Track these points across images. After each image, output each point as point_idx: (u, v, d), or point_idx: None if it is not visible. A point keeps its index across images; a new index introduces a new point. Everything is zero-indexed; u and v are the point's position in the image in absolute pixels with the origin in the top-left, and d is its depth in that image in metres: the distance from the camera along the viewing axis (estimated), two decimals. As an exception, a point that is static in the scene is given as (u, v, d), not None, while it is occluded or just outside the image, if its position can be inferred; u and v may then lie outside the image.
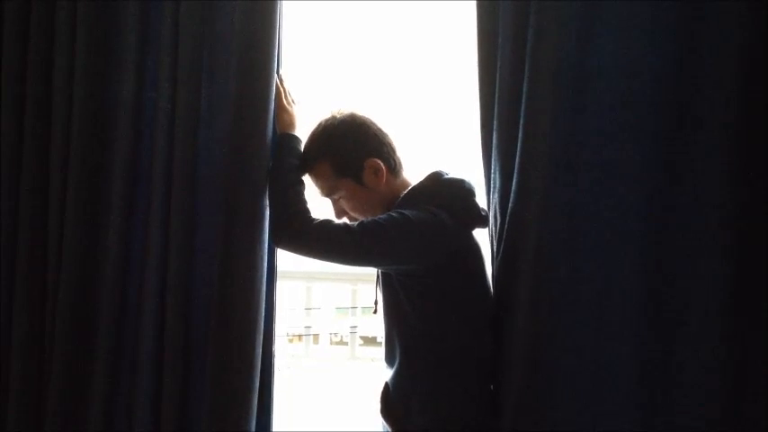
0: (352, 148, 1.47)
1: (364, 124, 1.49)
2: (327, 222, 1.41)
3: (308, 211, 1.44)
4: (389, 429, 1.45)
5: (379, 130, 1.50)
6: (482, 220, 1.48)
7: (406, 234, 1.37)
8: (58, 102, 1.61)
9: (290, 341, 5.31)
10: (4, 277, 1.65)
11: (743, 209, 1.27)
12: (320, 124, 1.51)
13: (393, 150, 1.51)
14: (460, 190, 1.48)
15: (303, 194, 1.48)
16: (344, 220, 1.52)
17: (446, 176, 1.49)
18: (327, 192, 1.50)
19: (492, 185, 1.48)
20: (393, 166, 1.50)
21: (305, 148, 1.51)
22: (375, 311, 1.53)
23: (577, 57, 1.35)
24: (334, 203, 1.53)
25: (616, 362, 1.35)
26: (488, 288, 1.47)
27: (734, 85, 1.27)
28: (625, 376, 1.34)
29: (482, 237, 1.52)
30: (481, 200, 1.51)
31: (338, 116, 1.49)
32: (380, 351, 1.52)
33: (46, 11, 1.63)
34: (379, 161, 1.47)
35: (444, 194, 1.45)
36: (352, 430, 3.60)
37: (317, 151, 1.49)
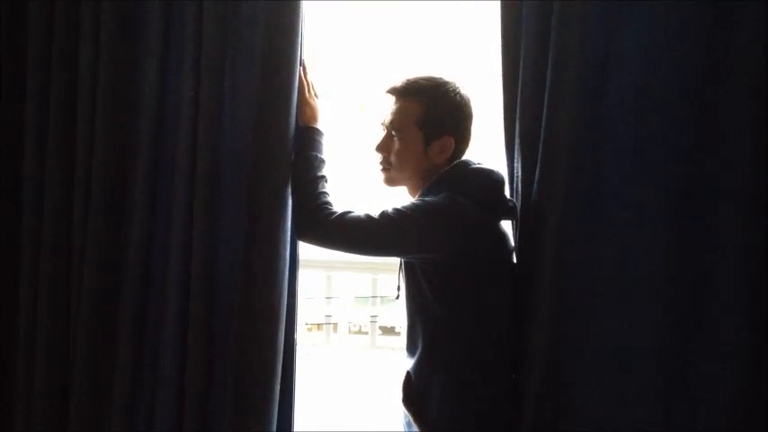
0: (447, 116, 1.47)
1: (469, 107, 1.50)
2: (349, 214, 1.41)
3: (329, 204, 1.45)
4: (411, 418, 1.45)
5: (472, 117, 1.51)
6: (509, 211, 1.48)
7: (428, 223, 1.38)
8: (83, 87, 1.62)
9: (309, 330, 5.35)
10: (29, 269, 1.67)
11: (765, 198, 1.27)
12: (443, 78, 1.49)
13: (468, 140, 1.52)
14: (488, 180, 1.47)
15: (325, 187, 1.48)
16: (380, 157, 1.52)
17: (474, 166, 1.49)
18: (395, 125, 1.48)
19: (515, 174, 1.49)
20: (457, 153, 1.50)
21: (412, 78, 1.49)
22: (397, 297, 1.54)
23: (601, 45, 1.35)
24: (387, 137, 1.50)
25: (636, 350, 1.35)
26: (512, 278, 1.47)
27: (757, 74, 1.26)
28: (644, 364, 1.35)
29: (508, 227, 1.52)
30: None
31: (459, 87, 1.48)
32: (400, 341, 1.53)
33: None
34: (453, 143, 1.48)
35: (471, 183, 1.45)
36: (372, 418, 3.62)
37: (423, 91, 1.47)
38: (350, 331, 5.52)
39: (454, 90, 1.48)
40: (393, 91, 1.49)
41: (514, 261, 1.50)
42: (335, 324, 5.26)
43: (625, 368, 1.36)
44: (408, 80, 1.49)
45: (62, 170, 1.65)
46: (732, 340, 1.28)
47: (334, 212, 1.43)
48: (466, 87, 1.49)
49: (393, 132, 1.49)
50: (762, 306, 1.26)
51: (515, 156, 1.48)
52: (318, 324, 5.29)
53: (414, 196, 1.51)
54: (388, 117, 1.49)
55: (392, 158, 1.50)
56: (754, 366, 1.27)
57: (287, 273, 1.55)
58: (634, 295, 1.35)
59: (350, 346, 5.22)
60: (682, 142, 1.33)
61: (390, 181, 1.53)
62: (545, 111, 1.38)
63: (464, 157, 1.51)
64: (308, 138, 1.53)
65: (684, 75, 1.32)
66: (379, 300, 5.04)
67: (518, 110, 1.45)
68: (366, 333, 5.24)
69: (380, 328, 5.26)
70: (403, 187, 1.55)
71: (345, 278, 5.21)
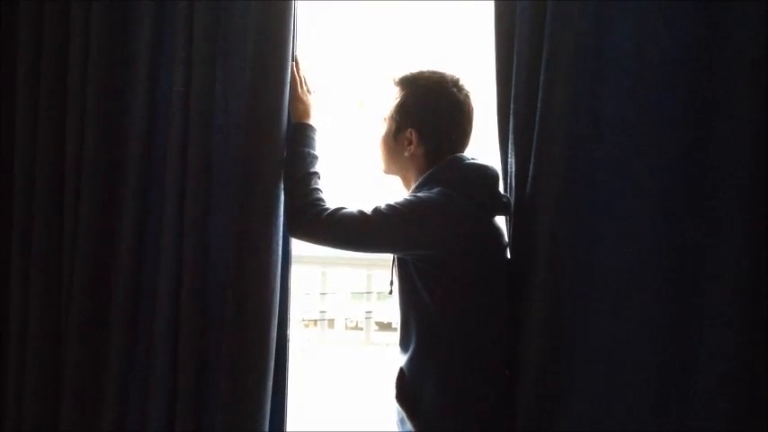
0: (413, 109, 1.46)
1: (447, 105, 1.46)
2: (341, 210, 1.40)
3: (322, 201, 1.44)
4: (404, 415, 1.44)
5: (456, 114, 1.47)
6: (503, 207, 1.48)
7: (421, 219, 1.37)
8: (73, 86, 1.61)
9: (306, 326, 5.34)
10: (21, 267, 1.66)
11: (765, 198, 1.25)
12: (434, 73, 1.48)
13: (447, 137, 1.47)
14: (482, 175, 1.46)
15: (318, 183, 1.47)
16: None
17: (467, 161, 1.47)
18: (382, 112, 1.52)
19: (509, 171, 1.48)
20: (432, 150, 1.46)
21: (412, 69, 1.49)
22: (390, 292, 1.53)
23: (595, 42, 1.35)
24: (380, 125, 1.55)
25: (632, 349, 1.35)
26: (507, 275, 1.46)
27: (756, 73, 1.26)
28: (642, 364, 1.35)
29: (502, 223, 1.52)
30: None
31: (450, 85, 1.46)
32: (395, 336, 1.52)
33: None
34: (417, 137, 1.46)
35: (464, 179, 1.44)
36: (369, 415, 3.62)
37: (406, 82, 1.48)
38: (346, 327, 5.52)
39: (438, 86, 1.46)
40: (392, 80, 1.52)
41: (507, 257, 1.49)
42: (331, 320, 5.27)
43: (622, 368, 1.36)
44: (406, 71, 1.50)
45: (53, 168, 1.63)
46: (732, 341, 1.27)
47: (327, 209, 1.41)
48: (463, 87, 1.47)
49: (382, 119, 1.53)
50: (762, 306, 1.25)
51: (509, 152, 1.47)
52: (314, 320, 5.29)
53: (407, 190, 1.51)
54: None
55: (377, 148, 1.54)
56: (754, 367, 1.27)
57: (279, 269, 1.55)
58: (630, 294, 1.35)
59: (346, 342, 5.22)
60: (678, 140, 1.32)
61: (382, 169, 1.56)
62: (539, 108, 1.38)
63: (457, 153, 1.49)
64: (300, 134, 1.52)
65: (680, 73, 1.32)
66: (374, 295, 5.04)
67: (512, 106, 1.45)
68: (362, 329, 5.25)
69: (377, 323, 5.26)
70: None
71: (341, 274, 5.21)
